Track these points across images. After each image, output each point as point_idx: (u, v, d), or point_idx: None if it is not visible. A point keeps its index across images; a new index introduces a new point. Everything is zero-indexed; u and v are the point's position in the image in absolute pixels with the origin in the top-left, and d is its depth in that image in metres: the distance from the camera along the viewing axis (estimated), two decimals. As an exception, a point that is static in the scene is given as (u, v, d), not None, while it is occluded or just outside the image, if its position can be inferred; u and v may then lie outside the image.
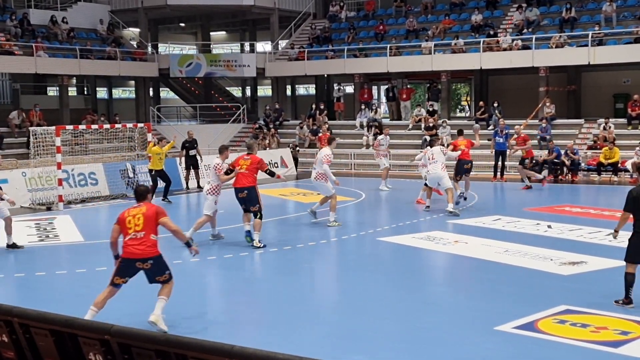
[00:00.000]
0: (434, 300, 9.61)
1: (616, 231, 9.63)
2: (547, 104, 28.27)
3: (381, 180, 22.58)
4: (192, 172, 23.45)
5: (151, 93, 37.86)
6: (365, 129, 30.97)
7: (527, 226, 15.54)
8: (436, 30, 32.72)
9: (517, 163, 23.26)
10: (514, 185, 23.39)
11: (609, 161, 23.76)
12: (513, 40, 29.74)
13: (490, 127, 28.08)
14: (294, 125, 33.43)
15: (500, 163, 24.28)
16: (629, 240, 9.46)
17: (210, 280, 11.64)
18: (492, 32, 31.02)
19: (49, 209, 19.35)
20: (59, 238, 15.48)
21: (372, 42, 34.19)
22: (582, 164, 24.65)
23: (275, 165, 27.18)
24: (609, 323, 8.69)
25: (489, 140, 25.38)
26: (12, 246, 13.72)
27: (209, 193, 14.10)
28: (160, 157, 20.41)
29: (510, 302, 9.73)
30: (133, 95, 39.44)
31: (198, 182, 23.39)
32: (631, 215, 9.41)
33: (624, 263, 9.99)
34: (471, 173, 19.51)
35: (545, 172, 23.44)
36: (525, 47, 29.18)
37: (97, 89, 41.25)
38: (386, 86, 34.34)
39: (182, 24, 44.13)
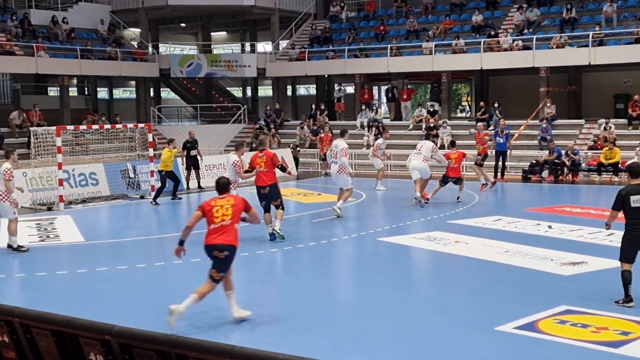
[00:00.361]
0: (434, 300, 9.61)
1: (608, 225, 9.88)
2: (548, 104, 28.28)
3: (376, 180, 22.67)
4: (192, 172, 23.42)
5: (152, 93, 37.87)
6: (366, 129, 30.98)
7: (528, 226, 15.54)
8: (437, 31, 32.73)
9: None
10: (515, 186, 23.40)
11: (610, 161, 23.76)
12: (514, 40, 29.75)
13: (491, 128, 28.08)
14: (294, 125, 33.45)
15: (500, 163, 24.26)
16: (622, 239, 9.60)
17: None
18: (492, 33, 31.02)
19: (49, 209, 19.35)
20: (59, 238, 15.48)
21: (372, 43, 34.20)
22: (583, 165, 24.65)
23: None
24: (609, 323, 8.69)
25: (490, 140, 25.36)
26: (17, 249, 13.67)
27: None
28: (170, 159, 20.67)
29: (511, 303, 9.73)
30: (134, 96, 39.45)
31: (199, 182, 23.39)
32: (621, 214, 9.57)
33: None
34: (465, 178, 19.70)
35: (490, 178, 22.79)
36: (526, 48, 29.18)
37: (98, 89, 41.26)
38: (386, 86, 34.35)
39: (183, 24, 44.15)
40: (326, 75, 37.09)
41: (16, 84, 34.66)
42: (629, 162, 22.97)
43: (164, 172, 20.71)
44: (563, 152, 24.39)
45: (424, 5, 35.34)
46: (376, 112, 32.21)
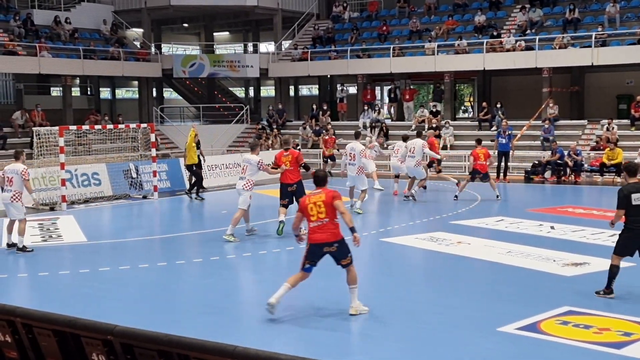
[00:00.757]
0: (436, 300, 9.60)
1: (612, 224, 10.09)
2: (551, 104, 28.26)
3: (373, 180, 22.80)
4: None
5: (154, 93, 37.88)
6: (369, 129, 30.98)
7: (530, 227, 15.53)
8: (439, 31, 32.72)
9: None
10: (517, 186, 23.38)
11: (612, 162, 23.74)
12: (516, 41, 29.73)
13: (494, 128, 28.08)
14: (297, 125, 33.45)
15: (503, 164, 24.25)
16: (620, 235, 9.91)
17: (212, 281, 11.64)
18: (495, 33, 31.00)
19: (52, 209, 19.37)
20: (62, 238, 15.49)
21: (375, 43, 34.20)
22: (585, 165, 24.63)
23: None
24: (611, 324, 8.68)
25: (492, 141, 25.38)
26: (22, 249, 13.70)
27: (245, 188, 14.50)
28: (193, 150, 20.95)
29: (513, 303, 9.72)
30: (136, 96, 39.47)
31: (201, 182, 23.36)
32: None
33: (627, 264, 10.03)
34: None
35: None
36: (529, 48, 29.16)
37: (101, 89, 41.28)
38: (389, 87, 34.34)
39: (186, 25, 44.16)
40: (329, 76, 37.09)
41: (19, 84, 34.69)
42: (615, 162, 23.14)
43: (194, 167, 21.03)
44: (565, 152, 24.37)
45: (426, 5, 35.33)
46: (379, 113, 32.20)
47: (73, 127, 22.03)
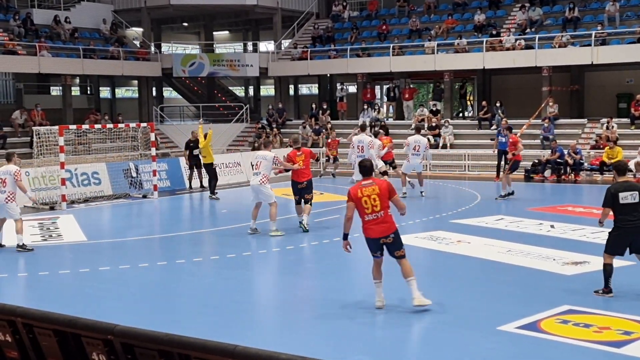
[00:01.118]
0: (437, 300, 9.60)
1: (601, 222, 10.16)
2: (550, 103, 28.26)
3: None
4: (195, 171, 23.43)
5: (154, 93, 37.88)
6: (368, 128, 30.93)
7: (530, 226, 15.53)
8: (439, 30, 32.72)
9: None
10: (517, 185, 23.36)
11: (612, 161, 23.72)
12: (516, 39, 29.74)
13: (493, 127, 28.08)
14: (296, 124, 33.45)
15: (502, 162, 24.23)
16: (609, 233, 9.92)
17: (213, 280, 11.65)
18: (495, 32, 31.01)
19: (52, 208, 19.37)
20: (62, 238, 15.50)
21: (375, 42, 34.21)
22: (585, 164, 24.63)
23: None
24: (611, 323, 8.68)
25: (492, 140, 25.38)
26: (22, 247, 13.70)
27: (262, 184, 14.72)
28: (208, 149, 21.27)
29: (513, 302, 9.72)
30: (136, 95, 39.47)
31: (201, 182, 23.38)
32: (611, 212, 9.89)
33: (626, 263, 10.05)
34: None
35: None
36: (528, 47, 29.17)
37: (100, 88, 41.28)
38: (387, 86, 34.35)
39: (185, 24, 44.14)
40: (328, 75, 37.08)
41: (19, 84, 34.68)
42: (614, 160, 23.15)
43: (213, 165, 21.33)
44: (565, 151, 24.37)
45: (426, 4, 35.32)
46: (378, 112, 32.21)
47: (73, 127, 22.05)
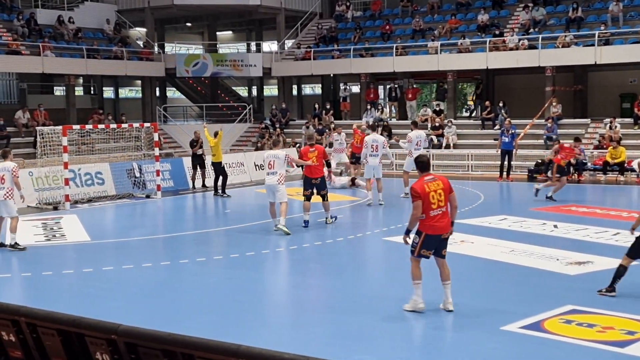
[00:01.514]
0: (440, 300, 9.59)
1: (633, 229, 9.96)
2: (554, 103, 28.23)
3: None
4: (198, 171, 23.45)
5: (157, 93, 37.91)
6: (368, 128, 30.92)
7: (533, 226, 15.51)
8: (442, 30, 32.70)
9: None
10: (520, 185, 23.36)
11: (615, 161, 23.72)
12: (519, 39, 29.70)
13: (497, 127, 28.06)
14: (300, 124, 33.44)
15: (506, 163, 24.23)
16: (637, 238, 9.76)
17: (216, 280, 11.65)
18: (498, 32, 30.98)
19: (55, 208, 19.39)
20: (65, 237, 15.51)
21: (378, 42, 34.18)
22: (589, 164, 24.60)
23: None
24: (615, 323, 8.67)
25: (495, 140, 25.36)
26: (14, 246, 13.71)
27: (280, 183, 14.98)
28: (217, 149, 21.74)
29: (516, 302, 9.72)
30: (139, 95, 39.47)
31: (203, 182, 23.41)
32: (635, 214, 9.69)
33: (632, 263, 9.98)
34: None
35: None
36: (532, 47, 29.14)
37: (104, 88, 41.31)
38: (389, 85, 34.35)
39: (189, 24, 44.17)
40: (332, 75, 37.08)
41: (22, 84, 34.72)
42: (617, 160, 23.09)
43: (222, 164, 21.76)
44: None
45: (429, 4, 35.30)
46: (382, 112, 32.19)
47: (76, 127, 22.05)
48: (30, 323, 5.80)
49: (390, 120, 32.64)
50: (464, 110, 38.20)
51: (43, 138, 21.09)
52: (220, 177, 21.77)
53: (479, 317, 9.08)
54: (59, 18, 33.02)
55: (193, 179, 23.52)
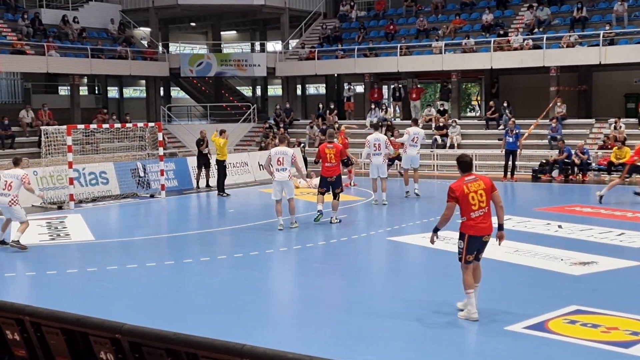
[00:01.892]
0: (444, 299, 9.59)
1: None
2: (558, 103, 28.21)
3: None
4: (203, 171, 23.46)
5: (162, 92, 37.95)
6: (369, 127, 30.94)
7: (538, 226, 15.49)
8: (447, 30, 32.68)
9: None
10: (525, 185, 23.34)
11: (620, 161, 23.66)
12: (524, 39, 29.67)
13: (501, 127, 28.03)
14: (304, 124, 33.45)
15: (510, 163, 24.21)
16: None
17: (220, 280, 11.66)
18: (502, 32, 30.96)
19: (60, 207, 19.42)
20: (70, 237, 15.53)
21: (382, 42, 34.18)
22: (593, 164, 24.57)
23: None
24: (619, 323, 8.66)
25: (499, 140, 25.34)
26: (16, 242, 13.70)
27: (291, 179, 15.39)
28: (223, 148, 21.96)
29: (521, 302, 9.70)
30: (144, 95, 39.55)
31: (207, 181, 23.41)
32: None
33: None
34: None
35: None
36: (536, 47, 29.10)
37: (108, 88, 41.38)
38: (393, 86, 34.34)
39: (193, 24, 44.23)
40: (336, 75, 37.08)
41: (27, 83, 34.80)
42: (622, 160, 23.01)
43: (225, 162, 22.00)
44: (573, 151, 24.32)
45: (434, 4, 35.28)
46: (386, 112, 32.18)
47: (81, 126, 22.09)
48: (34, 322, 5.81)
49: (394, 120, 32.61)
50: (469, 110, 38.22)
51: (47, 137, 21.12)
52: (220, 176, 21.82)
53: (483, 317, 9.07)
54: (64, 18, 33.07)
55: (198, 178, 23.53)
